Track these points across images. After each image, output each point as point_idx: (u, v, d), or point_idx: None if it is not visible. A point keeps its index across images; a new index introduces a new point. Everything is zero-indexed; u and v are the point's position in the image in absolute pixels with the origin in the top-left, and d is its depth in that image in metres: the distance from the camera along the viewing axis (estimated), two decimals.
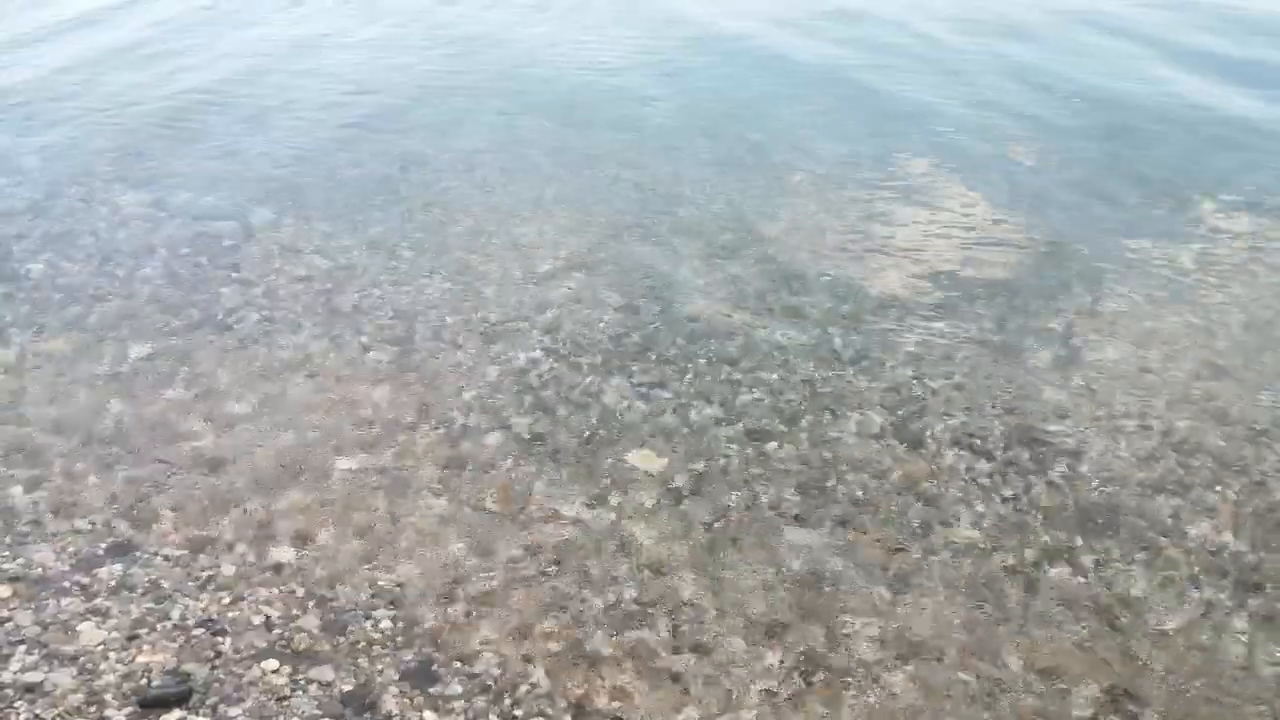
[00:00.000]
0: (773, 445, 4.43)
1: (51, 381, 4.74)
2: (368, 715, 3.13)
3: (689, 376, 4.91)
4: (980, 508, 4.09)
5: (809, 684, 3.30)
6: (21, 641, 3.32)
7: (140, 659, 3.28)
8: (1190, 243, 6.13)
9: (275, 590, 3.61)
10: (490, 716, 3.14)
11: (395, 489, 4.13)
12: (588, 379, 4.88)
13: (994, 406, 4.69)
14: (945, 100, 8.36)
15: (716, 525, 3.98)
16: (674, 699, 3.23)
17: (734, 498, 4.14)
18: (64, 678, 3.19)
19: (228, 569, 3.70)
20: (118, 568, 3.66)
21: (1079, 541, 3.92)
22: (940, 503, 4.11)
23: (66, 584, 3.58)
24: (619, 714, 3.16)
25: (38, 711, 3.04)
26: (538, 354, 5.07)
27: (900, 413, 4.65)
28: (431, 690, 3.23)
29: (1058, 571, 3.78)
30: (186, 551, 3.77)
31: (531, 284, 5.76)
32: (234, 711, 3.11)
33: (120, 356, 4.95)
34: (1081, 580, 3.74)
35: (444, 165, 7.46)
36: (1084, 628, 3.53)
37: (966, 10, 10.75)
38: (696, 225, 6.54)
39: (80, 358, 4.93)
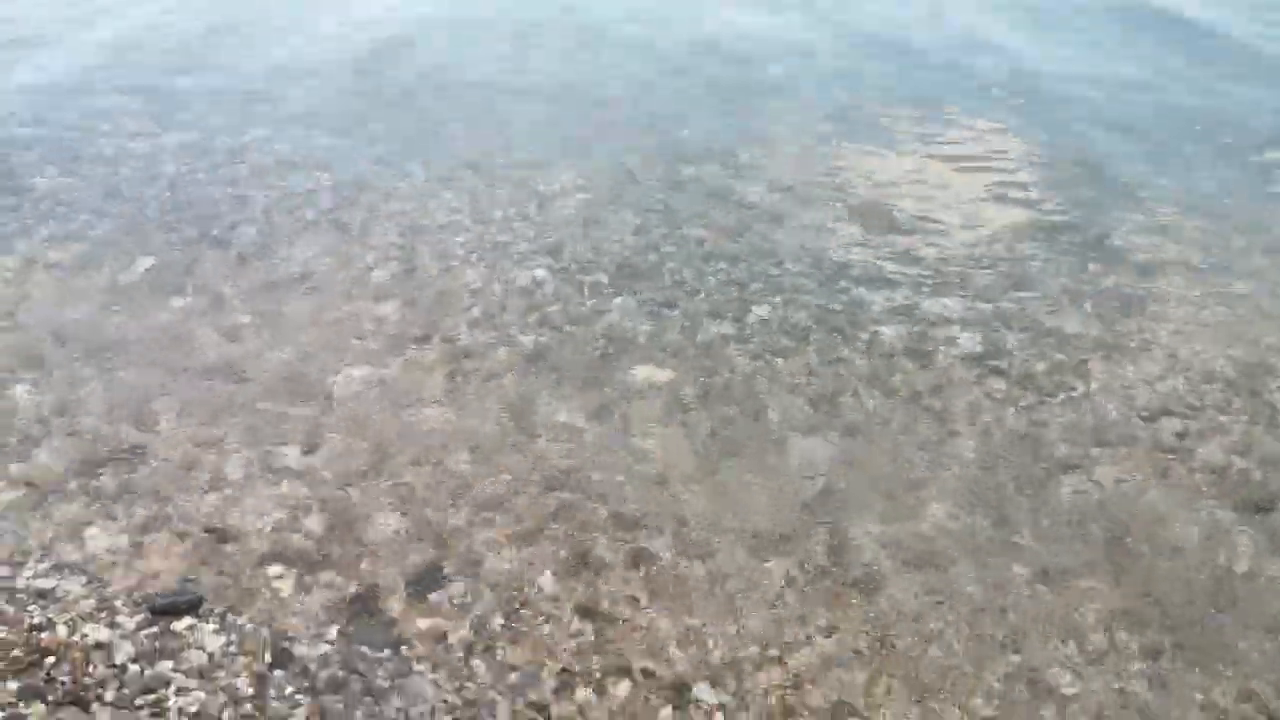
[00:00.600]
0: (780, 361, 4.33)
1: (55, 290, 4.63)
2: (374, 617, 3.07)
3: (698, 296, 4.79)
4: (991, 422, 4.00)
5: (814, 592, 3.23)
6: (30, 547, 3.26)
7: (148, 565, 3.22)
8: None
9: (281, 495, 3.53)
10: (496, 618, 3.08)
11: (401, 399, 4.03)
12: (594, 298, 4.76)
13: (1009, 326, 4.58)
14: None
15: (722, 436, 3.90)
16: (678, 605, 3.17)
17: (740, 410, 4.04)
18: (74, 585, 3.13)
19: (234, 473, 3.61)
20: (123, 473, 3.58)
21: (1092, 455, 3.84)
22: (950, 416, 4.02)
23: (72, 488, 3.50)
24: (624, 618, 3.09)
25: (51, 616, 2.99)
26: (543, 273, 4.95)
27: (913, 330, 4.54)
28: (437, 593, 3.17)
29: (1069, 485, 3.70)
30: (192, 457, 3.68)
31: (538, 204, 5.63)
32: (242, 618, 3.05)
33: (123, 268, 4.84)
34: (1093, 496, 3.66)
35: (456, 89, 7.30)
36: (1094, 542, 3.45)
37: None
38: (704, 151, 6.39)
39: (84, 268, 4.82)
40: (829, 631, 3.09)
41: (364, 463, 3.69)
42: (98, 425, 3.80)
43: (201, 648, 2.93)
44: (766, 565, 3.33)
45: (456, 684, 2.85)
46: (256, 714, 2.72)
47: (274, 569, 3.22)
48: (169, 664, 2.86)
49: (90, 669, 2.82)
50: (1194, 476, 3.75)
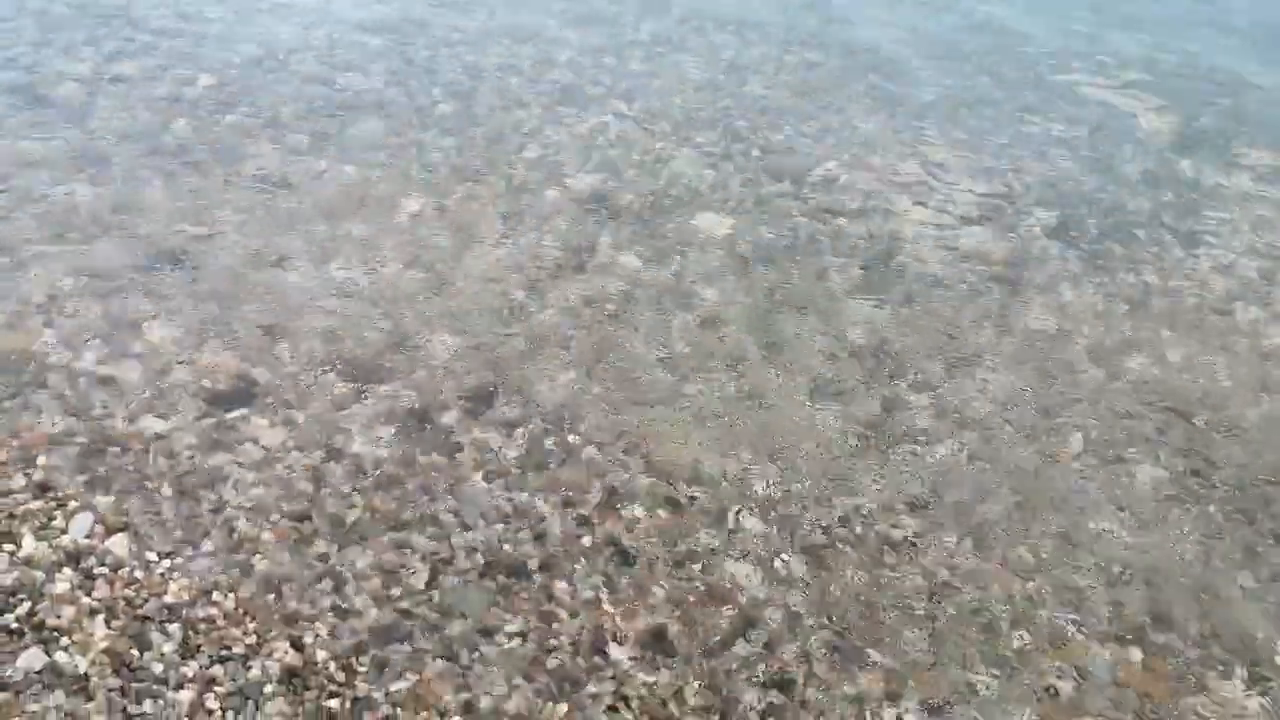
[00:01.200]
0: (842, 221, 4.20)
1: (121, 98, 4.54)
2: (430, 427, 3.03)
3: (756, 153, 4.65)
4: (1067, 294, 3.87)
5: (865, 443, 3.17)
6: (95, 336, 3.22)
7: (206, 360, 3.18)
8: None
9: (339, 307, 3.47)
10: (547, 441, 3.04)
11: (458, 230, 3.95)
12: (658, 144, 4.62)
13: (1086, 204, 4.41)
14: None
15: (780, 292, 3.80)
16: (728, 441, 3.11)
17: (799, 267, 3.94)
18: (134, 373, 3.10)
19: (291, 283, 3.55)
20: (181, 272, 3.52)
21: (1163, 335, 3.71)
22: (1020, 287, 3.89)
23: (132, 282, 3.45)
24: (671, 449, 3.05)
25: (109, 401, 2.96)
26: (608, 119, 4.80)
27: (988, 197, 4.38)
28: (490, 411, 3.12)
29: (1135, 361, 3.59)
30: (250, 263, 3.62)
31: (608, 54, 5.44)
32: (299, 415, 3.01)
33: (186, 82, 4.73)
34: (1157, 371, 3.55)
35: None
36: (1155, 415, 3.36)
37: None
38: (771, 17, 6.14)
39: (148, 81, 4.71)
40: (877, 477, 3.04)
41: (421, 286, 3.62)
42: (158, 226, 3.73)
43: (258, 441, 2.91)
44: (817, 413, 3.26)
45: (508, 494, 2.82)
46: (312, 509, 2.71)
47: (331, 374, 3.18)
48: (227, 455, 2.85)
49: (151, 459, 2.81)
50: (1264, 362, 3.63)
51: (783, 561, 2.70)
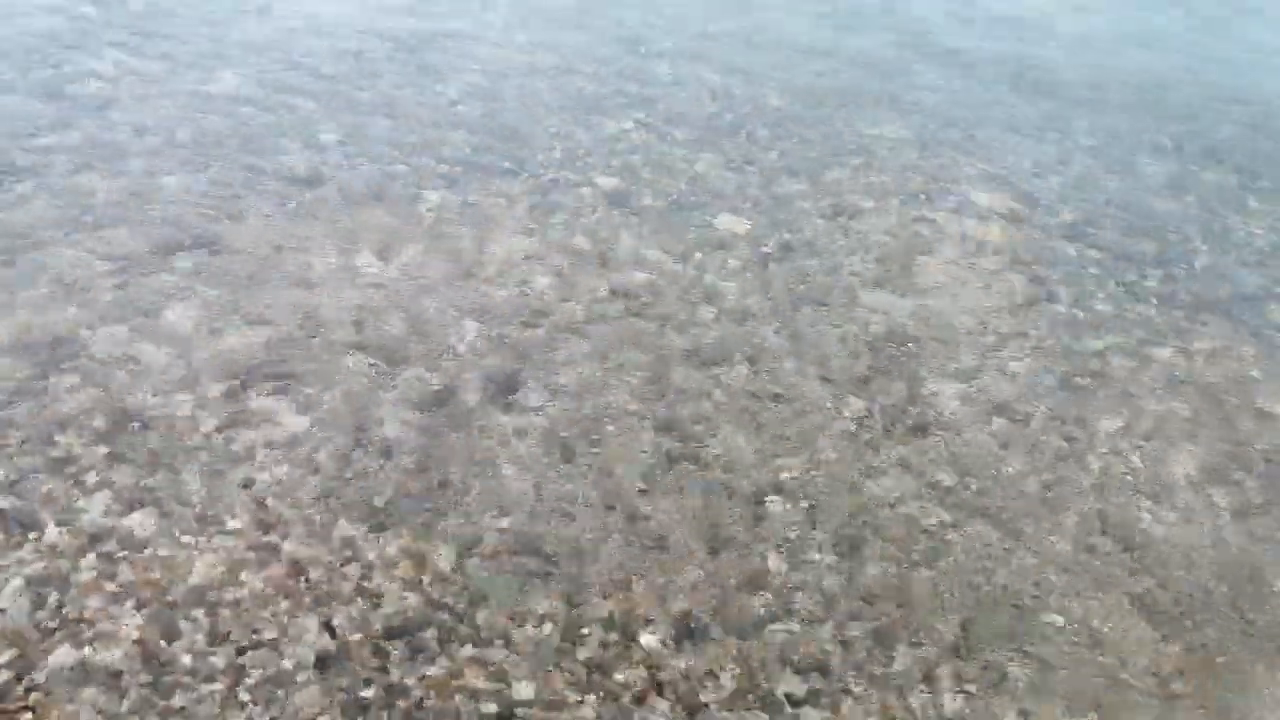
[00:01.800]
0: (858, 220, 4.13)
1: (143, 93, 4.48)
2: (451, 410, 2.95)
3: (773, 155, 4.58)
4: (1090, 290, 3.79)
5: (889, 431, 3.08)
6: (120, 319, 3.14)
7: (231, 342, 3.10)
8: None
9: (364, 294, 3.39)
10: (572, 425, 2.96)
11: (482, 223, 3.87)
12: (679, 150, 4.56)
13: (1108, 202, 4.34)
14: None
15: (800, 287, 3.72)
16: (752, 429, 3.03)
17: (818, 263, 3.86)
18: (160, 355, 3.02)
19: (316, 270, 3.48)
20: (205, 258, 3.45)
21: (1192, 326, 3.63)
22: (1045, 280, 3.81)
23: (154, 266, 3.38)
24: (701, 437, 2.97)
25: (134, 381, 2.89)
26: (630, 124, 4.74)
27: (1009, 197, 4.31)
28: (515, 395, 3.04)
29: (1165, 352, 3.51)
30: (274, 251, 3.55)
31: (633, 58, 5.39)
32: (327, 395, 2.93)
33: (208, 79, 4.67)
34: (1188, 361, 3.46)
35: None
36: (1186, 402, 3.27)
37: None
38: (788, 29, 6.09)
39: (171, 78, 4.65)
40: (904, 466, 2.95)
41: (446, 275, 3.55)
42: (181, 213, 3.66)
43: (284, 423, 2.83)
44: (842, 402, 3.18)
45: (536, 478, 2.74)
46: (339, 491, 2.62)
47: (356, 358, 3.10)
48: (253, 435, 2.77)
49: (177, 437, 2.74)
50: None
51: (815, 547, 2.61)
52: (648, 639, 2.30)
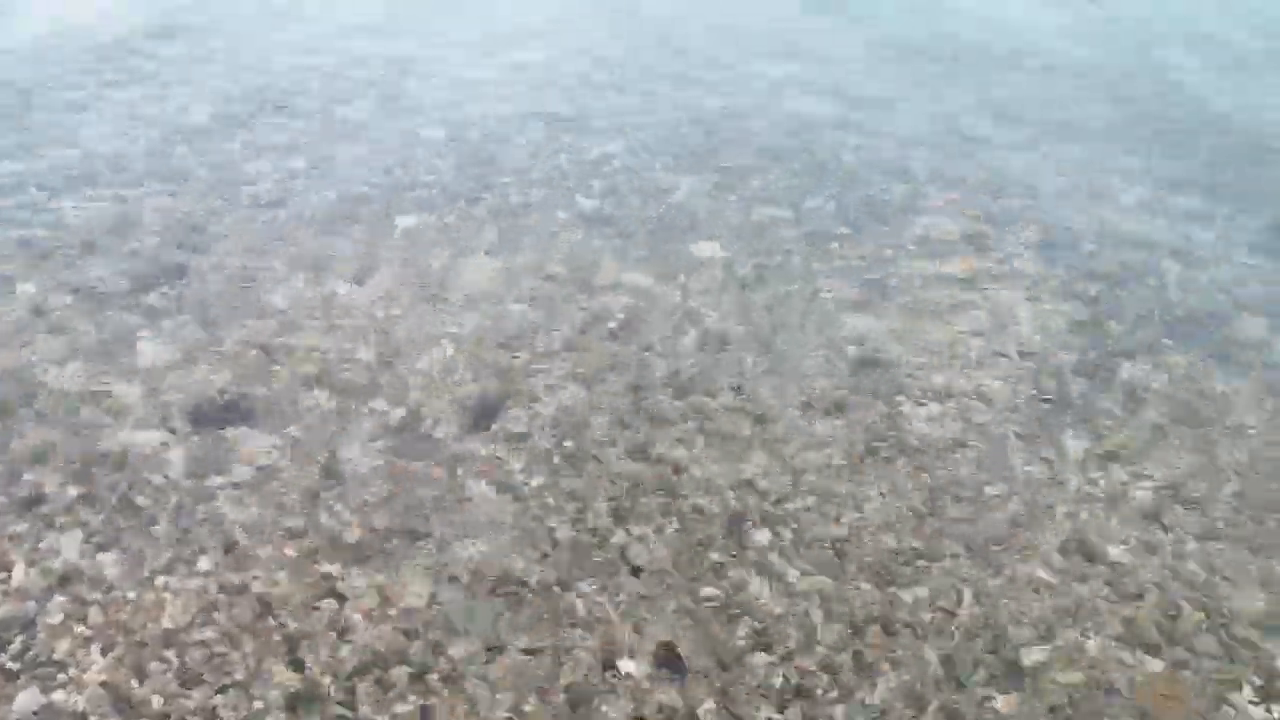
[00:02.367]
0: (835, 245, 4.15)
1: (117, 121, 4.46)
2: (424, 442, 2.93)
3: (755, 183, 4.61)
4: (1055, 307, 3.82)
5: (867, 456, 3.08)
6: (79, 352, 3.12)
7: (199, 377, 3.08)
8: None
9: (332, 322, 3.38)
10: (552, 455, 2.94)
11: (455, 247, 3.86)
12: (658, 175, 4.57)
13: (1071, 220, 4.38)
14: None
15: (778, 310, 3.73)
16: (733, 455, 3.02)
17: (796, 287, 3.87)
18: (128, 389, 3.00)
19: (285, 299, 3.47)
20: (175, 290, 3.43)
21: (1162, 342, 3.66)
22: (1009, 301, 3.84)
23: (125, 299, 3.35)
24: (679, 463, 2.96)
25: (105, 418, 2.86)
26: (611, 149, 4.75)
27: (976, 220, 4.34)
28: (491, 424, 3.03)
29: (1134, 369, 3.53)
30: (244, 280, 3.53)
31: (610, 88, 5.41)
32: (294, 429, 2.91)
33: (183, 110, 4.66)
34: (1156, 378, 3.48)
35: None
36: (1155, 419, 3.29)
37: None
38: (769, 48, 6.13)
39: (146, 105, 4.64)
40: (883, 490, 2.95)
41: (418, 300, 3.54)
42: (152, 245, 3.64)
43: (253, 459, 2.81)
44: (820, 427, 3.18)
45: (513, 507, 2.72)
46: (307, 528, 2.60)
47: (326, 390, 3.08)
48: (220, 475, 2.74)
49: (144, 476, 2.71)
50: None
51: (795, 573, 2.60)
52: (628, 667, 2.28)
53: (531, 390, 3.16)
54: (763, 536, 2.71)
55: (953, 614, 2.53)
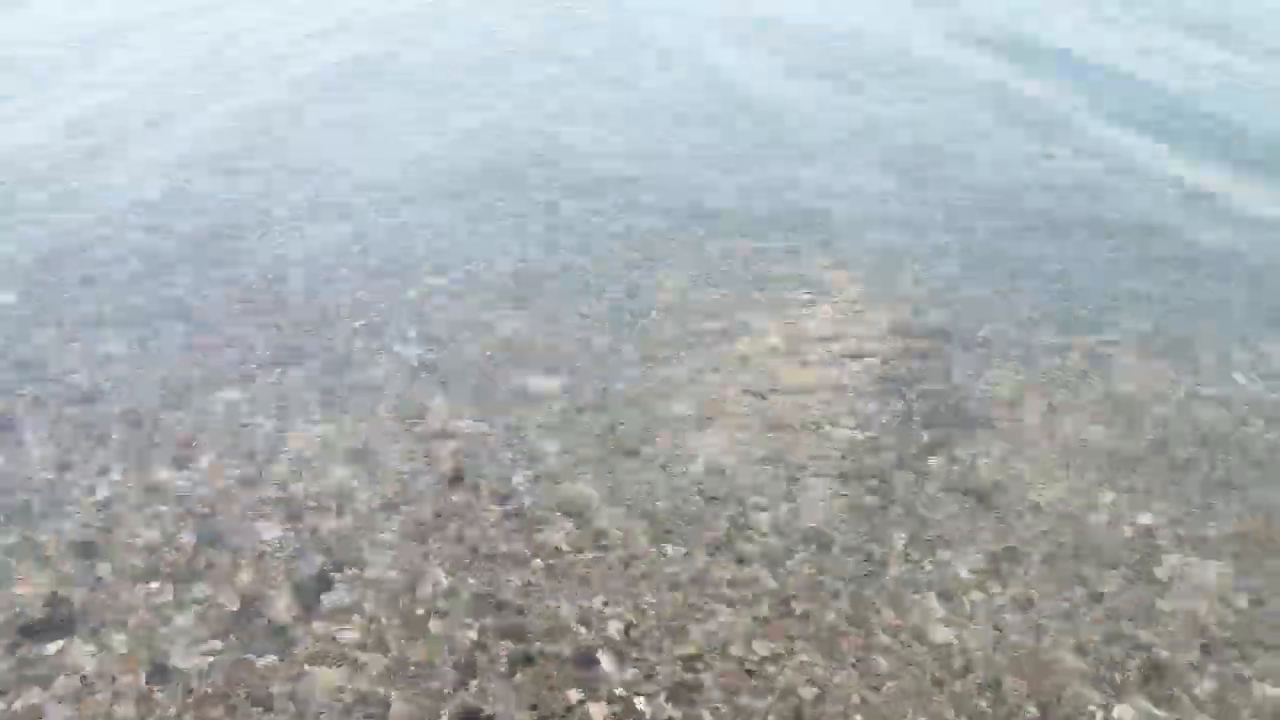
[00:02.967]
0: (669, 369, 4.31)
1: None
2: (257, 627, 2.86)
3: (585, 308, 4.76)
4: (867, 408, 4.04)
5: (711, 569, 3.17)
6: None
7: (15, 590, 2.95)
8: None
9: (155, 511, 3.30)
10: (392, 617, 2.91)
11: (279, 414, 3.84)
12: (482, 311, 4.67)
13: (874, 326, 4.67)
14: None
15: (614, 437, 3.83)
16: (580, 591, 3.06)
17: (633, 413, 3.99)
18: None
19: (102, 493, 3.36)
20: None
21: (959, 435, 3.91)
22: (830, 406, 4.05)
23: None
24: (525, 607, 2.97)
25: None
26: (431, 284, 4.84)
27: (789, 337, 4.59)
28: (325, 597, 2.98)
29: (938, 461, 3.75)
30: (57, 476, 3.42)
31: (424, 226, 5.53)
32: (117, 636, 2.80)
33: None
34: (959, 468, 3.71)
35: (331, 118, 7.14)
36: (963, 507, 3.50)
37: None
38: (584, 172, 6.40)
39: None
40: (731, 602, 3.02)
41: (242, 476, 3.49)
42: None
43: (76, 669, 2.68)
44: (667, 549, 3.25)
45: (350, 683, 2.67)
46: None
47: (150, 585, 2.98)
48: (40, 690, 2.61)
49: None
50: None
51: (647, 699, 2.63)
52: None
53: (361, 558, 3.13)
54: (614, 668, 2.74)
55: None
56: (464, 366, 4.21)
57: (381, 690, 2.64)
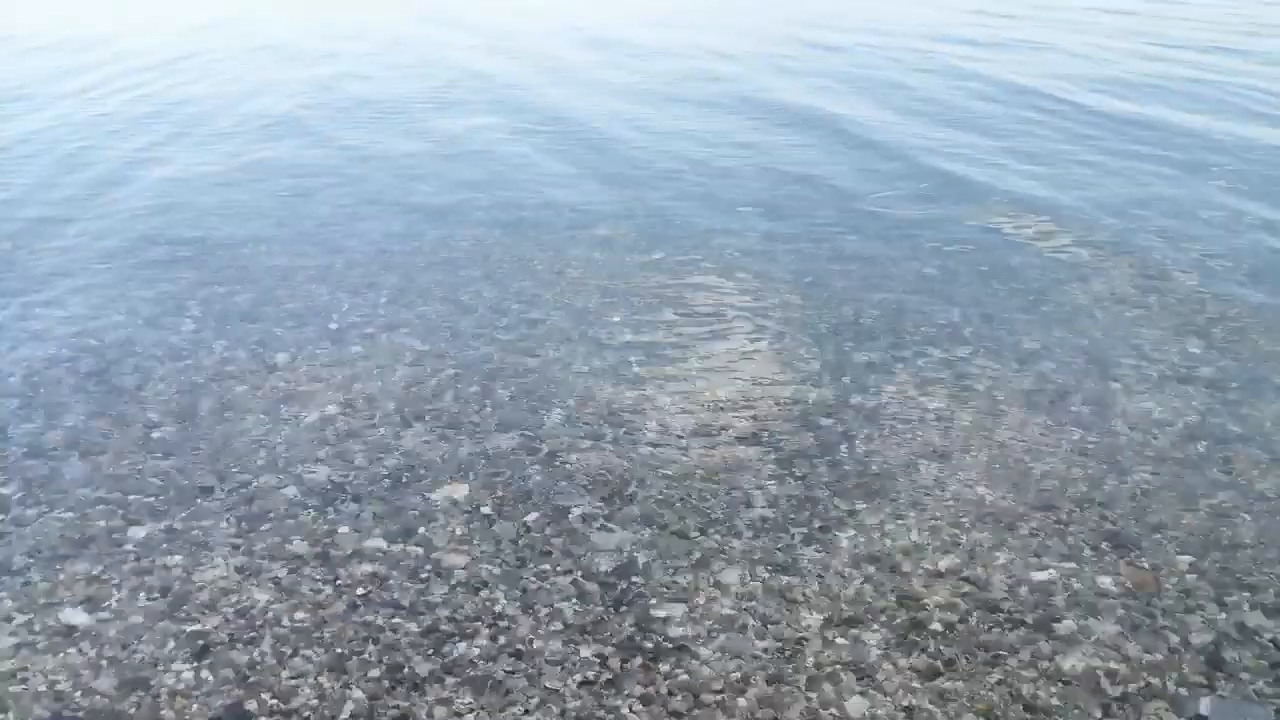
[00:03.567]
0: (574, 459, 4.48)
1: None
2: None
3: (485, 411, 4.91)
4: (774, 489, 4.27)
5: (625, 669, 3.30)
6: None
7: None
8: None
9: (64, 657, 3.31)
10: None
11: (190, 549, 3.89)
12: (383, 428, 4.79)
13: (781, 410, 4.92)
14: None
15: (525, 540, 3.96)
16: (497, 701, 3.16)
17: (541, 514, 4.13)
18: None
19: (10, 640, 3.37)
20: None
21: (860, 507, 4.15)
22: (737, 488, 4.26)
23: None
24: None
25: None
26: (332, 410, 4.94)
27: (698, 414, 4.81)
28: None
29: (844, 533, 3.98)
30: None
31: (325, 341, 5.64)
32: None
33: None
34: (864, 539, 3.95)
35: (236, 240, 7.23)
36: (868, 578, 3.72)
37: None
38: (487, 274, 6.59)
39: None
40: (644, 700, 3.16)
41: (155, 614, 3.53)
42: None
43: None
44: (580, 650, 3.38)
45: None
46: None
47: None
48: None
49: None
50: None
51: None
52: None
53: (281, 689, 3.20)
54: None
55: None
56: None
57: None
